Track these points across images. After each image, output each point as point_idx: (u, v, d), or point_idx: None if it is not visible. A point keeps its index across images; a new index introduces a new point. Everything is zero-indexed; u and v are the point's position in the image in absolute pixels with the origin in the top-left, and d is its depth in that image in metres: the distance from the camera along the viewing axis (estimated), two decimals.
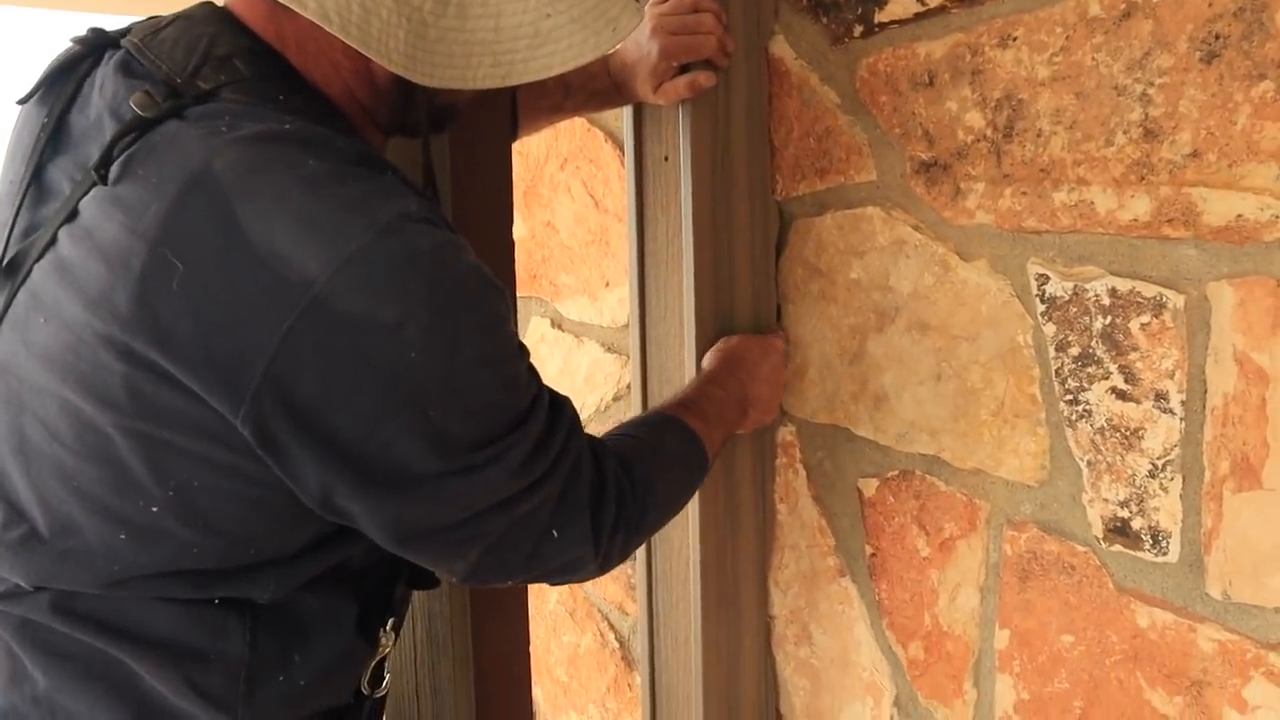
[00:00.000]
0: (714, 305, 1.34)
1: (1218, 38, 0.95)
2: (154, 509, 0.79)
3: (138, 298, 0.74)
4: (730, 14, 1.30)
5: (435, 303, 0.75)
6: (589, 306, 1.81)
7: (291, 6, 0.78)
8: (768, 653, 1.51)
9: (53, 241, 0.81)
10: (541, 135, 1.79)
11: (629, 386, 1.67)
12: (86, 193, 0.80)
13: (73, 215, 0.80)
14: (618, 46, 1.04)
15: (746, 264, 1.37)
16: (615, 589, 1.79)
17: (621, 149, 1.59)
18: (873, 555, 1.33)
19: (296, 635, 0.90)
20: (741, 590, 1.42)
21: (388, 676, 1.02)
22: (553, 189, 1.75)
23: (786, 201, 1.37)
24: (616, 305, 1.73)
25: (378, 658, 0.99)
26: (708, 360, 1.34)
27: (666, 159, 1.36)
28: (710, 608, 1.37)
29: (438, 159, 1.10)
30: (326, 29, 0.78)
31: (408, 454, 0.77)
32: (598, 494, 0.94)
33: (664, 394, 1.40)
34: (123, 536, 0.81)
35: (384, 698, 1.04)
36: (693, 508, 1.33)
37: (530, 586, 2.03)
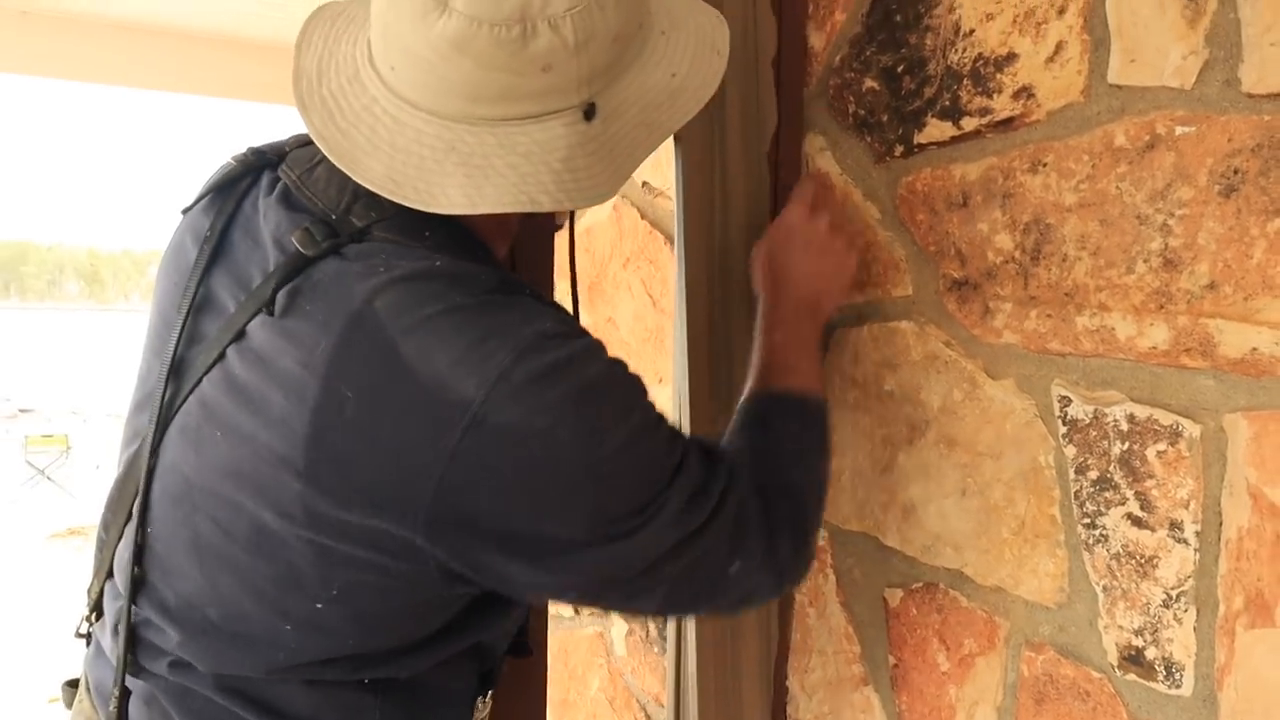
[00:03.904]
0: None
1: (1236, 173, 0.96)
2: (318, 605, 0.89)
3: (313, 426, 0.83)
4: (728, 120, 1.34)
5: (575, 406, 0.84)
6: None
7: (526, 210, 0.86)
8: None
9: (221, 356, 0.91)
10: (607, 234, 1.86)
11: None
12: (253, 317, 0.90)
13: (241, 335, 0.90)
14: None
15: None
16: (653, 680, 1.80)
17: None
18: (895, 666, 1.33)
19: (422, 708, 1.01)
20: (744, 688, 1.42)
21: None
22: (615, 286, 1.81)
23: None
24: (668, 401, 1.77)
25: None
26: (756, 276, 1.30)
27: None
28: (709, 709, 1.37)
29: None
30: (560, 209, 0.89)
31: (578, 533, 0.86)
32: (759, 522, 1.00)
33: None
34: (288, 628, 0.90)
35: None
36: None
37: (567, 673, 2.05)
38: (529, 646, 1.17)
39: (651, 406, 0.93)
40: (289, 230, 0.92)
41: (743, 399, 1.16)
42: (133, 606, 0.96)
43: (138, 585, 0.96)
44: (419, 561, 0.86)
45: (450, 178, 0.86)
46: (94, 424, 18.12)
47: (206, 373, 0.92)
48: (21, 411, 20.14)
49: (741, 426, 1.12)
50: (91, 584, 1.06)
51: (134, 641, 0.97)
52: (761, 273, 1.27)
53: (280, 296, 0.88)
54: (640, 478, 0.89)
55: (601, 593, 0.94)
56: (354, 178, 0.88)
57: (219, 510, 0.89)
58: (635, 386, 0.92)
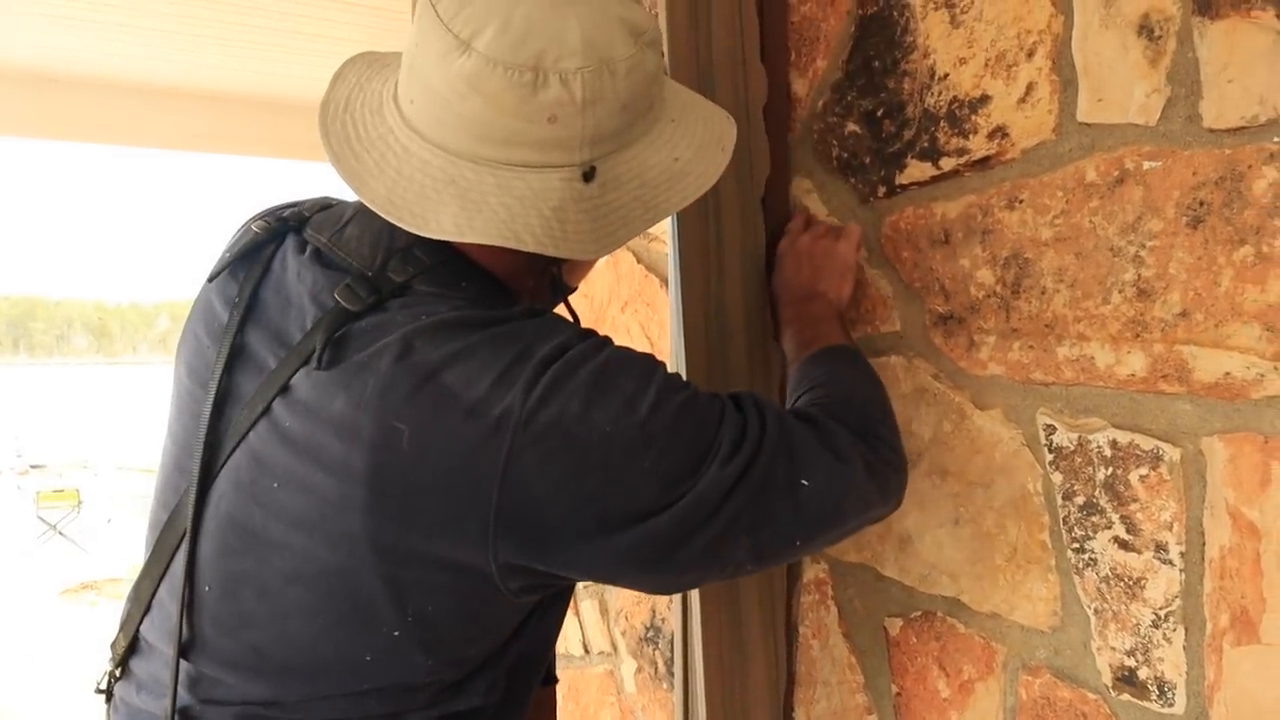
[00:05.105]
0: None
1: (1202, 204, 1.00)
2: (396, 634, 0.93)
3: (373, 461, 0.88)
4: (724, 172, 1.38)
5: (598, 385, 0.90)
6: None
7: (509, 245, 0.92)
8: None
9: (267, 411, 0.95)
10: (605, 278, 1.90)
11: None
12: (297, 371, 0.94)
13: (285, 389, 0.94)
14: None
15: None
16: (662, 716, 1.82)
17: None
18: (898, 694, 1.35)
19: None
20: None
21: None
22: (614, 330, 1.86)
23: None
24: None
25: None
26: (773, 295, 1.35)
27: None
28: None
29: None
30: (543, 253, 0.93)
31: (644, 501, 0.90)
32: (817, 430, 1.02)
33: None
34: (368, 658, 0.94)
35: None
36: (696, 651, 1.36)
37: (579, 711, 2.06)
38: (554, 674, 1.21)
39: (673, 375, 0.97)
40: (328, 288, 0.97)
41: (789, 373, 1.21)
42: (183, 661, 0.98)
43: (188, 642, 0.98)
44: (487, 575, 0.90)
45: (445, 207, 0.92)
46: (104, 477, 18.16)
47: (252, 428, 0.95)
48: (33, 467, 20.21)
49: (797, 384, 1.16)
50: (116, 639, 1.08)
51: (180, 697, 0.99)
52: (775, 282, 1.34)
53: (326, 350, 0.92)
54: (685, 430, 0.93)
55: (683, 569, 0.94)
56: (357, 195, 0.94)
57: (285, 558, 0.93)
58: (649, 359, 0.97)
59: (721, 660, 1.39)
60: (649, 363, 0.96)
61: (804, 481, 0.97)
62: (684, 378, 1.26)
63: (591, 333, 0.97)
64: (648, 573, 0.94)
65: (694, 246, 1.36)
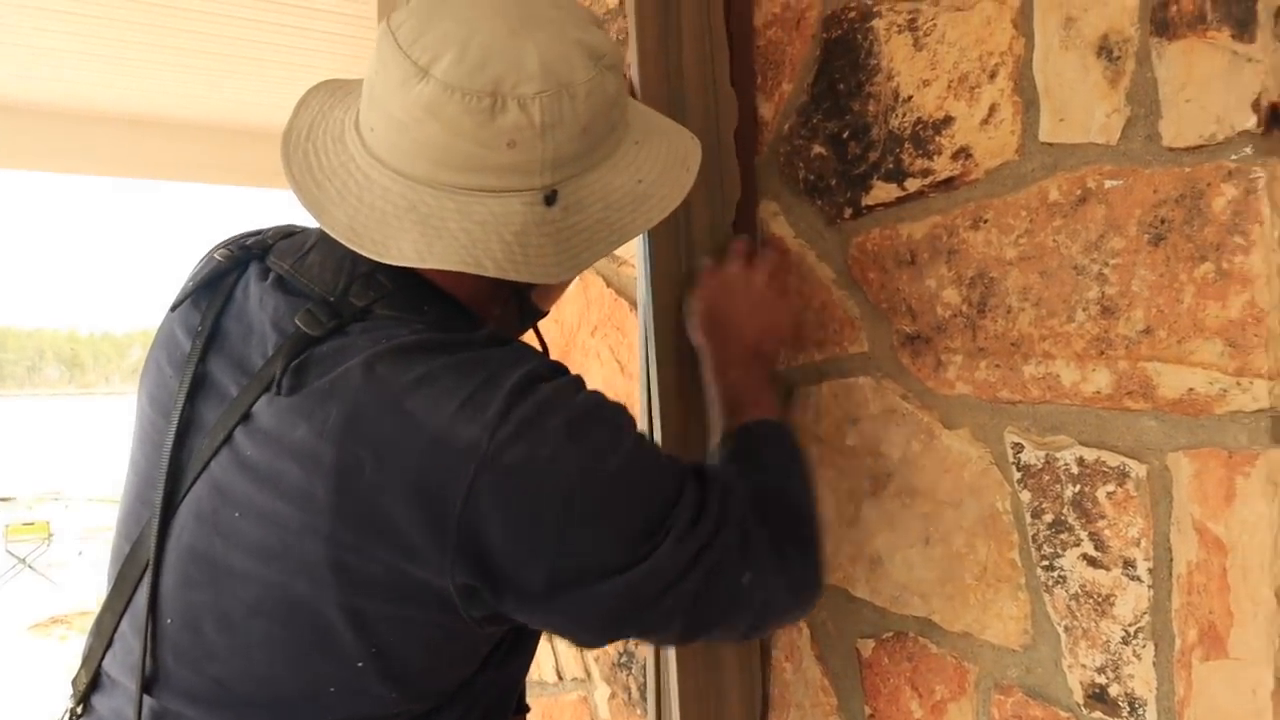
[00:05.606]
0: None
1: (1163, 222, 1.01)
2: (359, 664, 0.92)
3: (336, 490, 0.87)
4: (693, 190, 1.38)
5: (572, 433, 0.89)
6: None
7: (469, 270, 0.91)
8: None
9: (228, 439, 0.94)
10: (575, 303, 1.90)
11: None
12: (258, 398, 0.93)
13: (247, 417, 0.94)
14: None
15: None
16: None
17: None
18: (871, 716, 1.35)
19: None
20: None
21: None
22: (585, 354, 1.85)
23: (788, 370, 1.44)
24: None
25: None
26: (695, 328, 1.32)
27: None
28: None
29: None
30: (504, 278, 0.93)
31: (595, 559, 0.90)
32: (763, 534, 1.03)
33: None
34: (332, 690, 0.93)
35: None
36: (671, 675, 1.35)
37: None
38: (525, 703, 1.19)
39: (642, 434, 0.98)
40: (289, 314, 0.96)
41: (718, 440, 1.20)
42: (146, 697, 0.97)
43: (151, 676, 0.97)
44: (450, 605, 0.89)
45: (406, 233, 0.91)
46: (75, 509, 17.95)
47: (214, 456, 0.95)
48: (2, 500, 19.95)
49: (727, 459, 1.16)
50: (78, 674, 1.06)
51: None
52: (702, 325, 1.31)
53: (286, 376, 0.92)
54: (647, 494, 0.93)
55: (623, 621, 0.96)
56: (319, 223, 0.94)
57: (248, 589, 0.92)
58: (623, 412, 0.97)
59: (698, 684, 1.39)
60: (622, 414, 0.96)
61: (749, 574, 0.99)
62: (656, 403, 1.26)
63: (561, 366, 0.97)
64: (582, 630, 0.96)
65: (665, 270, 1.37)
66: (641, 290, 1.39)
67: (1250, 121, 0.94)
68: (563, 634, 0.98)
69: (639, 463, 0.95)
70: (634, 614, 0.94)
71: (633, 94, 1.38)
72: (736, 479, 1.06)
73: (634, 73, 1.36)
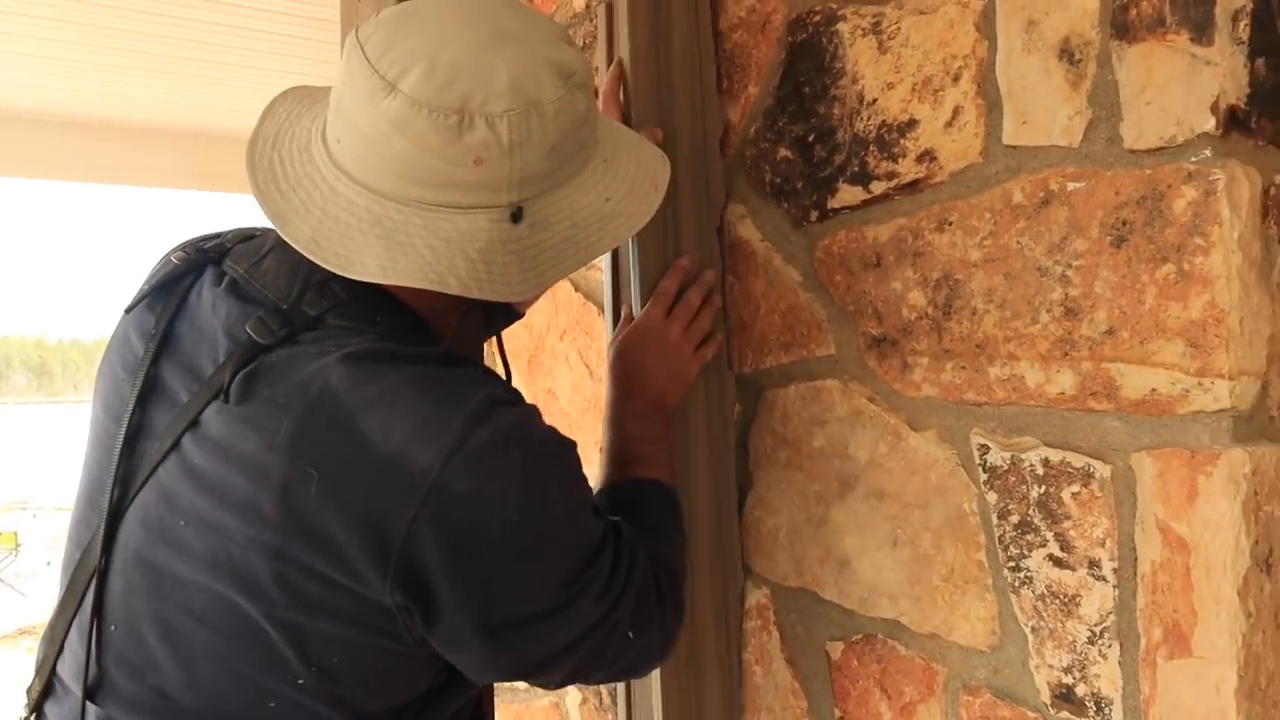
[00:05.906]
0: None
1: (1125, 224, 1.02)
2: (300, 682, 0.90)
3: (282, 504, 0.86)
4: (680, 198, 1.39)
5: (526, 472, 0.89)
6: (586, 469, 1.87)
7: (433, 288, 0.90)
8: None
9: (176, 446, 0.93)
10: (544, 308, 1.89)
11: None
12: (207, 405, 0.92)
13: (195, 424, 0.92)
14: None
15: (702, 436, 1.43)
16: None
17: None
18: (840, 718, 1.35)
19: None
20: None
21: None
22: (553, 358, 1.84)
23: (756, 374, 1.44)
24: None
25: None
26: (608, 370, 1.34)
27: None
28: None
29: None
30: (468, 295, 0.92)
31: (520, 599, 0.90)
32: (659, 591, 1.05)
33: None
34: (272, 705, 0.91)
35: None
36: (655, 678, 1.35)
37: None
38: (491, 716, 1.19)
39: (584, 477, 0.98)
40: (241, 320, 0.95)
41: (604, 486, 1.22)
42: (90, 704, 0.95)
43: (95, 684, 0.95)
44: (390, 628, 0.89)
45: (370, 248, 0.90)
46: (44, 518, 17.75)
47: (161, 463, 0.93)
48: None
49: (611, 509, 1.16)
50: (32, 683, 1.05)
51: None
52: (613, 369, 1.32)
53: (235, 384, 0.91)
54: (579, 543, 0.93)
55: (521, 663, 0.95)
56: (282, 235, 0.92)
57: (191, 599, 0.91)
58: (574, 453, 0.96)
59: (680, 685, 1.39)
60: (575, 459, 0.96)
61: (636, 633, 1.00)
62: None
63: (516, 394, 0.97)
64: (483, 666, 0.95)
65: (653, 271, 1.38)
66: (632, 292, 1.39)
67: (1209, 124, 0.95)
68: (459, 664, 0.95)
69: (579, 511, 0.95)
70: (537, 658, 0.94)
71: (626, 94, 1.38)
72: (639, 540, 1.06)
73: (627, 70, 1.38)
